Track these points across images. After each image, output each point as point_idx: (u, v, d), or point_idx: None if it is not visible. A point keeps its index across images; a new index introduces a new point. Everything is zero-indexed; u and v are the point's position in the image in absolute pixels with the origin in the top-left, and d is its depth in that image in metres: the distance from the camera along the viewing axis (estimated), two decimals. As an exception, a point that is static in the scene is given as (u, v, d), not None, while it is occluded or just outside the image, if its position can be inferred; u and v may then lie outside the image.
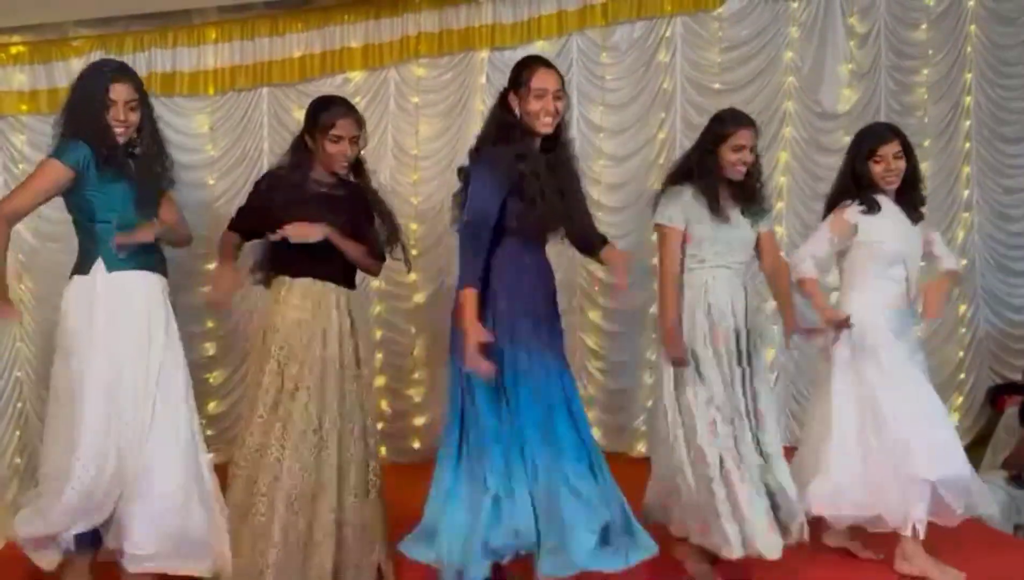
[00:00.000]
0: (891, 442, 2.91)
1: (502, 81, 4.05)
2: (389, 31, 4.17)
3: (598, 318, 4.46)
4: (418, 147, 4.28)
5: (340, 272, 2.84)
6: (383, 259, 2.94)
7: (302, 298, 2.78)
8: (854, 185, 3.05)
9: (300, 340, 2.74)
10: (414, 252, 4.27)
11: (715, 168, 2.88)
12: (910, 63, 4.56)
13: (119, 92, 2.56)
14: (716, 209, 2.86)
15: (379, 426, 4.25)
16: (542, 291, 2.69)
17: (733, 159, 2.86)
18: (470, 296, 2.51)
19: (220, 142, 4.13)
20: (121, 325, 2.58)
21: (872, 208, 3.00)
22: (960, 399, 4.70)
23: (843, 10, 4.48)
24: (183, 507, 2.58)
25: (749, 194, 2.94)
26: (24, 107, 3.92)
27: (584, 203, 2.78)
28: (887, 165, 3.01)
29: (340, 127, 2.74)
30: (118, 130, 2.57)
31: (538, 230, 2.65)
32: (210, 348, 4.19)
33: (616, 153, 4.44)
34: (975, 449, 4.60)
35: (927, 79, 4.57)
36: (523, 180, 2.54)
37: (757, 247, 3.00)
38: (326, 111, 2.77)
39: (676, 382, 2.87)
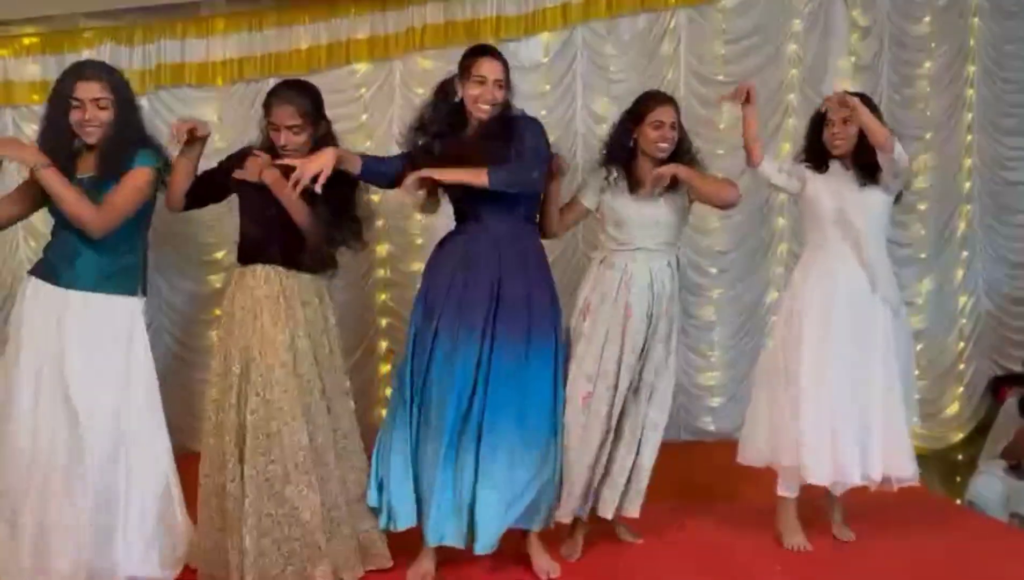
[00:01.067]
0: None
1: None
2: (395, 23, 4.21)
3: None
4: (423, 137, 4.32)
5: (280, 252, 2.77)
6: (327, 228, 2.80)
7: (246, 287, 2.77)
8: (809, 149, 3.19)
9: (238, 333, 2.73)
10: (419, 241, 4.35)
11: (634, 147, 2.95)
12: (912, 56, 4.57)
13: (85, 91, 2.52)
14: (635, 189, 2.93)
15: (383, 412, 4.36)
16: (498, 261, 2.80)
17: (654, 136, 2.91)
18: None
19: (228, 132, 4.17)
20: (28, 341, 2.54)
21: (819, 167, 3.13)
22: (960, 389, 4.71)
23: (846, 3, 4.49)
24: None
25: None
26: (36, 97, 3.98)
27: (520, 153, 2.77)
28: (831, 128, 3.08)
29: (273, 115, 2.72)
30: (88, 129, 2.54)
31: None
32: (215, 336, 4.26)
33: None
34: (975, 439, 4.65)
35: (929, 72, 4.58)
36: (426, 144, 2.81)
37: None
38: (269, 97, 2.77)
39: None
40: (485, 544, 2.73)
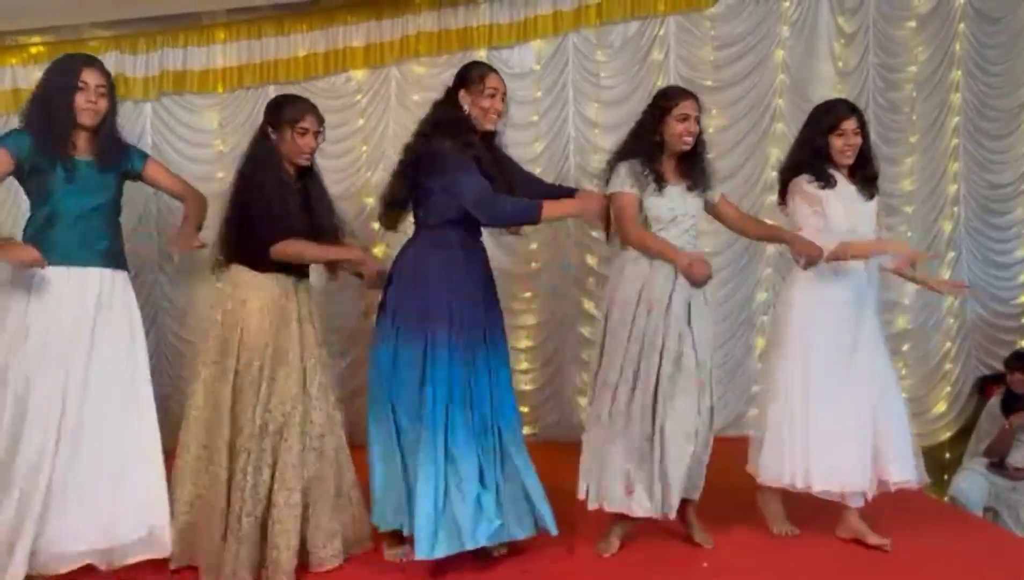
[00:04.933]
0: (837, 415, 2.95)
1: (501, 79, 4.28)
2: (390, 31, 4.35)
3: (592, 308, 4.59)
4: (417, 142, 4.43)
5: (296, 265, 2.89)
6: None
7: (261, 288, 2.83)
8: (811, 158, 3.03)
9: (259, 327, 2.79)
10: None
11: (660, 141, 2.91)
12: (897, 61, 4.64)
13: (90, 77, 2.61)
14: (661, 182, 2.88)
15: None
16: (481, 279, 2.89)
17: (680, 129, 2.88)
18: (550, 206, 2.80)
19: (228, 138, 4.31)
20: (42, 328, 2.56)
21: (828, 182, 2.99)
22: (948, 389, 4.79)
23: (832, 9, 4.58)
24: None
25: (696, 167, 2.95)
26: (43, 104, 4.11)
27: (532, 178, 3.10)
28: (847, 140, 3.00)
29: (307, 120, 2.83)
30: (87, 110, 2.61)
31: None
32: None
33: (611, 148, 4.55)
34: (961, 437, 4.72)
35: (914, 76, 4.65)
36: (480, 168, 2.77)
37: (717, 216, 3.08)
38: (292, 105, 2.86)
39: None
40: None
